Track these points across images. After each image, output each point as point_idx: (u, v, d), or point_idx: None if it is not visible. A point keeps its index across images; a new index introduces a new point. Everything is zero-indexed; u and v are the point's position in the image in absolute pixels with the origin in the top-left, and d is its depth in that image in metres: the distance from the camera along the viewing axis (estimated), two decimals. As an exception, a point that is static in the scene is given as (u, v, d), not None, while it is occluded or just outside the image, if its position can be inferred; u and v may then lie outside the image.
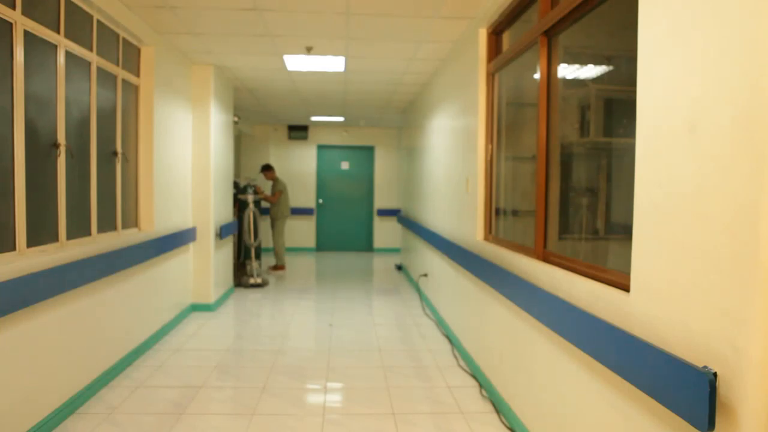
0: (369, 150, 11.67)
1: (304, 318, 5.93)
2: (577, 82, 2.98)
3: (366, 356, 4.54)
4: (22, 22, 2.90)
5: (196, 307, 5.94)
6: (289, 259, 10.06)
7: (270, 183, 9.06)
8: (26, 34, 2.97)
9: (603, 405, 2.11)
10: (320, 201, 11.60)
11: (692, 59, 1.57)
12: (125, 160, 4.38)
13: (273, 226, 8.75)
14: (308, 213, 11.47)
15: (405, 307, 6.43)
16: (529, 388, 2.94)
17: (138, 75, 4.60)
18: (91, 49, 3.73)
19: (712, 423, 1.41)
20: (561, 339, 2.48)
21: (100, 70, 3.89)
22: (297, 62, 5.69)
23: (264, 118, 10.42)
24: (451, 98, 5.18)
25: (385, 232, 11.63)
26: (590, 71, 2.93)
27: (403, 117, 9.44)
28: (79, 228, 3.62)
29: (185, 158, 5.66)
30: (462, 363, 4.35)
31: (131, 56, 4.48)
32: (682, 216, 1.59)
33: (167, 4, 4.06)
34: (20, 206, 2.91)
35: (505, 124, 3.95)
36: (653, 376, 1.66)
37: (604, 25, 2.63)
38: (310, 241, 11.58)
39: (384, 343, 4.93)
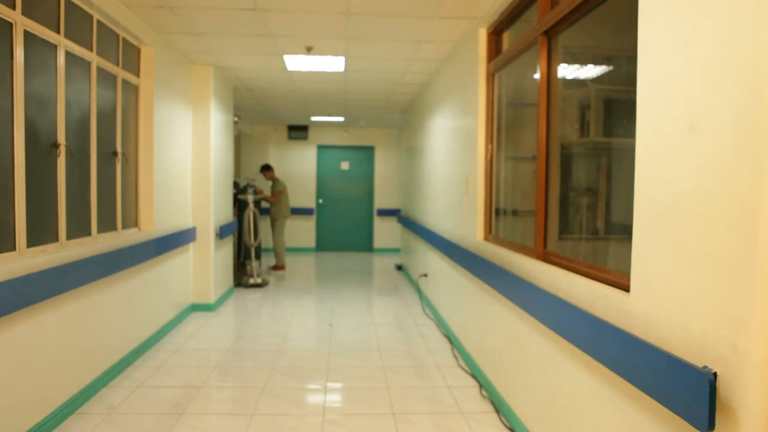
0: (369, 150, 11.67)
1: (304, 318, 5.93)
2: (577, 82, 2.98)
3: (366, 356, 4.54)
4: (22, 22, 2.90)
5: (196, 307, 5.94)
6: (289, 259, 10.07)
7: (269, 183, 9.05)
8: (26, 34, 2.96)
9: (603, 405, 2.11)
10: (320, 201, 11.59)
11: (692, 59, 1.57)
12: (125, 160, 4.38)
13: (273, 226, 8.75)
14: (308, 213, 11.46)
15: (405, 307, 6.43)
16: (530, 388, 2.94)
17: (138, 75, 4.60)
18: (91, 49, 3.73)
19: (712, 423, 1.41)
20: (561, 339, 2.48)
21: (100, 70, 3.89)
22: (297, 62, 5.69)
23: (264, 118, 10.42)
24: (451, 98, 5.18)
25: (385, 232, 11.63)
26: (590, 71, 2.93)
27: (403, 117, 9.43)
28: (79, 228, 3.62)
29: (185, 158, 5.66)
30: (462, 363, 4.35)
31: (131, 56, 4.48)
32: (682, 216, 1.59)
33: (167, 4, 4.06)
34: (20, 206, 2.91)
35: (505, 124, 3.95)
36: (653, 376, 1.66)
37: (604, 24, 2.63)
38: (310, 241, 11.58)
39: (384, 343, 4.93)
